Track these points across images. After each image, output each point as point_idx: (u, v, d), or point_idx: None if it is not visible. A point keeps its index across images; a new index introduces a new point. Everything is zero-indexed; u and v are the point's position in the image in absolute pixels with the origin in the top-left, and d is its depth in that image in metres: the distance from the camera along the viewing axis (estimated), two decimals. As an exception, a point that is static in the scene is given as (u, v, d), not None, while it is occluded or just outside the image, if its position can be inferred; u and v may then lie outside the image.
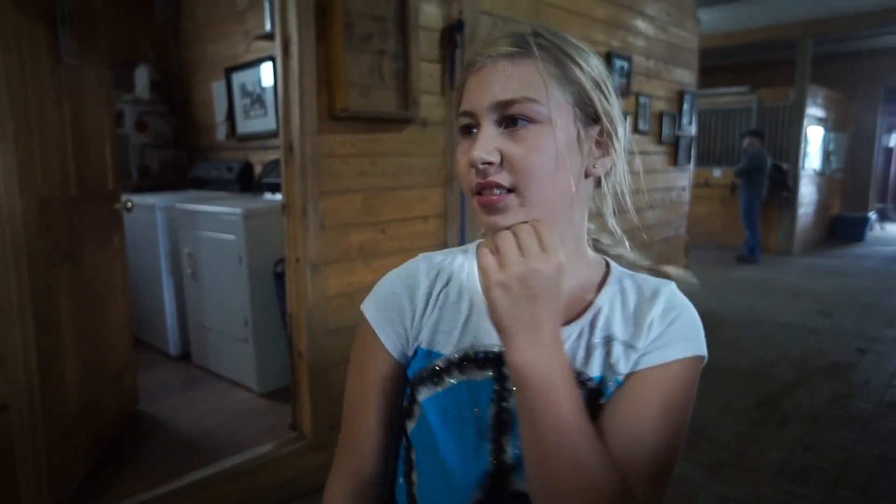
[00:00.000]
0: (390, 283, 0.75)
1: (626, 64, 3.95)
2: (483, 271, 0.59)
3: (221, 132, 4.17)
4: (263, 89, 3.65)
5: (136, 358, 2.84)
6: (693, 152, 5.09)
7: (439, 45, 2.69)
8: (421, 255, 0.77)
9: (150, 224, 3.48)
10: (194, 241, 3.27)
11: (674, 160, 4.78)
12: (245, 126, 3.87)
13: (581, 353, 0.66)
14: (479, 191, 0.63)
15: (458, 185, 2.77)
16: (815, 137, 8.84)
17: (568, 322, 0.67)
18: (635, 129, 4.20)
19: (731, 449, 2.79)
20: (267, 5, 3.07)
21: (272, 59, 3.23)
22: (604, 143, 0.69)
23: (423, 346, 0.70)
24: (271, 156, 3.64)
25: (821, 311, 5.34)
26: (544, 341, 0.56)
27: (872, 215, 10.55)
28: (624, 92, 3.98)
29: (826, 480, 2.53)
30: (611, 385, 0.64)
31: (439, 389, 0.67)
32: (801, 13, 7.60)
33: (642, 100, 4.21)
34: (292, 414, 2.52)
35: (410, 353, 0.71)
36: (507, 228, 0.60)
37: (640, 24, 4.13)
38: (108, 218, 2.57)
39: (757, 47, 9.32)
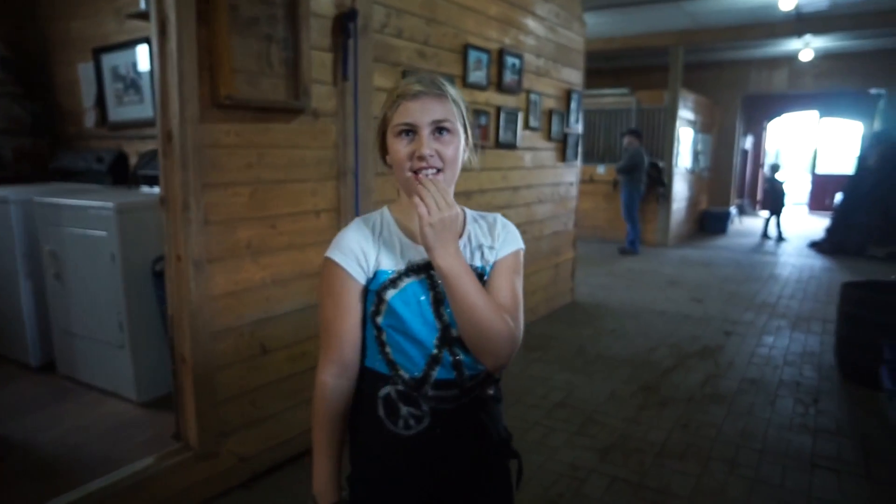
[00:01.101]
0: (348, 238, 1.12)
1: (517, 61, 4.04)
2: (420, 217, 1.00)
3: (90, 119, 3.79)
4: (139, 73, 3.35)
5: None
6: (580, 149, 5.32)
7: (331, 33, 2.60)
8: (358, 219, 1.16)
9: (3, 220, 3.10)
10: (58, 238, 2.95)
11: (562, 157, 4.97)
12: (118, 113, 3.54)
13: (468, 255, 1.13)
14: (417, 170, 1.06)
15: (352, 179, 2.71)
16: (685, 138, 9.57)
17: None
18: (526, 126, 4.31)
19: (618, 432, 2.94)
20: (140, -19, 2.82)
21: (148, 40, 2.98)
22: (467, 142, 1.14)
23: (381, 268, 1.10)
24: (149, 146, 3.36)
25: (693, 298, 5.79)
26: (451, 252, 1.01)
27: (733, 210, 11.61)
28: (515, 89, 4.07)
29: (701, 455, 2.73)
30: (488, 270, 1.14)
31: (397, 290, 1.09)
32: (673, 23, 8.20)
33: (533, 97, 4.33)
34: (176, 423, 2.34)
35: (371, 276, 1.10)
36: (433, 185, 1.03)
37: (531, 23, 4.24)
38: (-51, 213, 2.25)
39: (636, 52, 9.94)
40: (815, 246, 8.91)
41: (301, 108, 2.47)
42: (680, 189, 9.55)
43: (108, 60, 3.46)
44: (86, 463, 2.28)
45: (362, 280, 1.10)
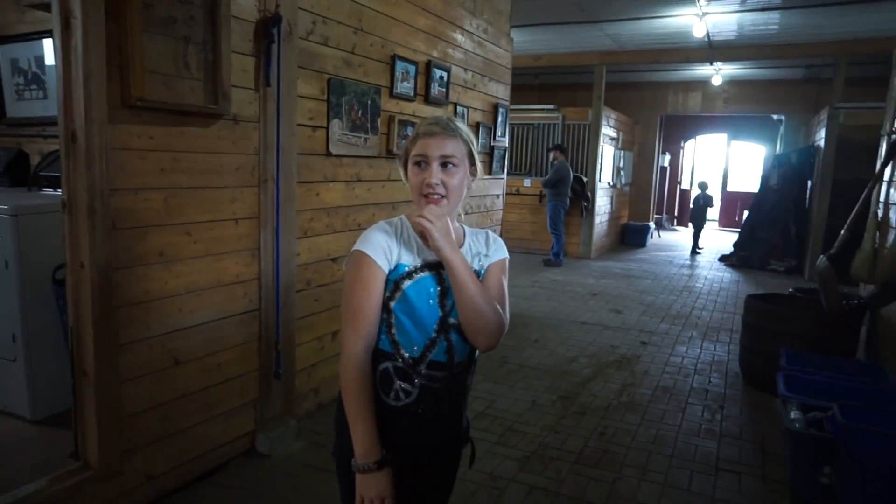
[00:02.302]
0: (375, 236, 1.31)
1: (445, 74, 4.08)
2: (428, 230, 1.22)
3: (-14, 114, 3.52)
4: (42, 67, 3.15)
5: None
6: (506, 162, 5.42)
7: (254, 37, 2.54)
8: (382, 222, 1.37)
9: None
10: (-56, 242, 2.71)
11: (489, 169, 5.05)
12: (17, 109, 3.32)
13: (469, 259, 1.35)
14: (427, 194, 1.29)
15: (273, 186, 2.64)
16: (608, 154, 9.95)
17: (459, 248, 1.33)
18: (454, 139, 4.35)
19: (538, 441, 3.00)
20: (46, -29, 2.65)
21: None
22: (473, 172, 1.38)
23: (401, 262, 1.31)
24: (52, 145, 3.16)
25: (613, 309, 6.00)
26: (455, 250, 1.25)
27: (651, 225, 12.16)
28: (442, 101, 4.11)
29: (616, 462, 2.82)
30: (482, 272, 1.39)
31: (413, 281, 1.30)
32: (596, 43, 8.54)
33: (460, 109, 4.38)
34: (74, 441, 2.19)
35: (392, 268, 1.30)
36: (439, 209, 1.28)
37: (459, 37, 4.30)
38: None
39: (561, 70, 10.28)
40: (725, 260, 9.46)
41: (220, 112, 2.39)
42: (602, 203, 9.91)
43: (7, 52, 3.24)
44: (-32, 488, 2.10)
45: (386, 270, 1.29)
